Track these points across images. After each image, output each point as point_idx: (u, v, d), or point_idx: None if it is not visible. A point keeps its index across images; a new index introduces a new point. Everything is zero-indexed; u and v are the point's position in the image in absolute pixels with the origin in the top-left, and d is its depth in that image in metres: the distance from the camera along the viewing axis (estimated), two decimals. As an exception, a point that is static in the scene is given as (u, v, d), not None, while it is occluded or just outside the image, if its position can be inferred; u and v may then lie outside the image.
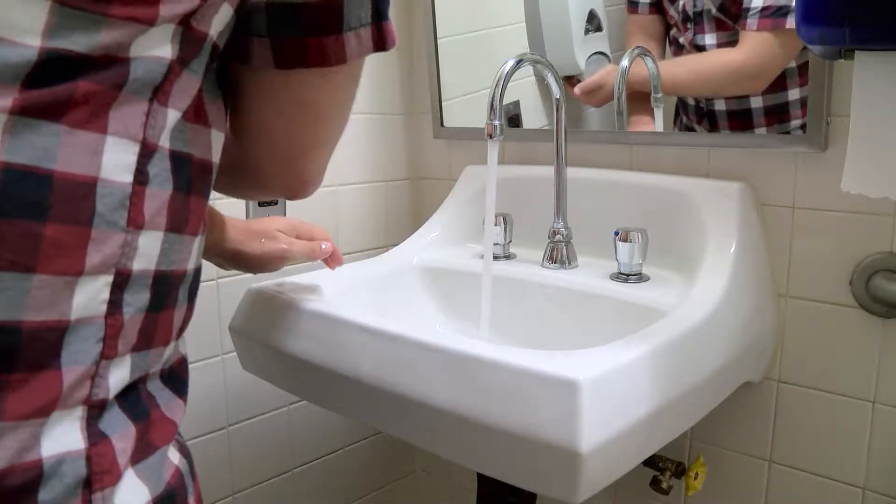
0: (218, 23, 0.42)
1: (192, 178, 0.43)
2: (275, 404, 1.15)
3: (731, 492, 0.99)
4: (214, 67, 0.45)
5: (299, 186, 0.57)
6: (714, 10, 0.93)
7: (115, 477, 0.38)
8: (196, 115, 0.43)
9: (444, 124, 1.23)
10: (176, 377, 0.46)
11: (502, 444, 0.61)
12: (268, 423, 1.14)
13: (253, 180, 0.58)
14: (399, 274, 1.01)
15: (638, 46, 1.02)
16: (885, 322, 0.84)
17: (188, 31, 0.40)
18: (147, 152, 0.39)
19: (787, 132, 0.89)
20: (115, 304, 0.39)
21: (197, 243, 0.46)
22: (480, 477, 0.88)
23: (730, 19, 0.92)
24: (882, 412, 0.85)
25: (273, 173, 0.56)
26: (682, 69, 1.00)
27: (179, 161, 0.42)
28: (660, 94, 1.01)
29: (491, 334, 0.93)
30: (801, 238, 0.88)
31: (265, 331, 0.83)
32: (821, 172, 0.86)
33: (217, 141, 0.46)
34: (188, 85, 0.42)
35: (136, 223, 0.39)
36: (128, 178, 0.38)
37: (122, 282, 0.39)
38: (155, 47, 0.38)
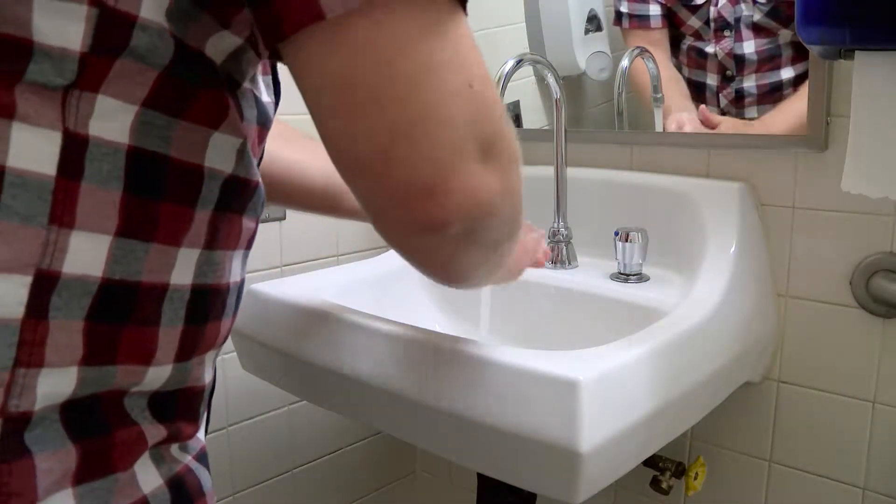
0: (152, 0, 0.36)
1: (165, 181, 0.39)
2: (275, 404, 1.15)
3: (731, 492, 0.99)
4: (196, 57, 0.38)
5: (421, 200, 0.36)
6: (758, 17, 0.91)
7: (28, 500, 0.34)
8: (177, 109, 0.38)
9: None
10: (171, 402, 0.42)
11: (502, 444, 0.61)
12: (268, 423, 1.14)
13: (372, 219, 0.40)
14: (399, 274, 1.01)
15: (638, 47, 1.02)
16: (885, 322, 0.84)
17: (105, 12, 0.35)
18: (74, 143, 0.35)
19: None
20: (36, 308, 0.35)
21: (190, 257, 0.41)
22: (480, 477, 0.88)
23: (781, 24, 0.90)
24: (882, 412, 0.85)
25: (366, 201, 0.38)
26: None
27: (143, 160, 0.37)
28: (660, 95, 1.01)
29: (491, 334, 0.93)
30: (801, 238, 0.88)
31: (265, 331, 0.83)
32: (821, 172, 0.86)
33: (223, 147, 0.41)
34: (136, 73, 0.36)
35: (62, 221, 0.35)
36: (49, 170, 0.35)
37: (46, 284, 0.35)
38: (60, 28, 0.34)
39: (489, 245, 0.43)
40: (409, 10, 0.34)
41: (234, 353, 0.92)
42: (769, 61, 0.92)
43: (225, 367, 1.06)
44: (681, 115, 0.99)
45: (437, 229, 0.37)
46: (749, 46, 0.93)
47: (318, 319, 0.78)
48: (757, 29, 0.92)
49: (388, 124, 0.34)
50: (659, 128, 1.01)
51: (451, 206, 0.36)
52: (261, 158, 0.49)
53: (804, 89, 0.86)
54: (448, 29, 0.36)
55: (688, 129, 0.98)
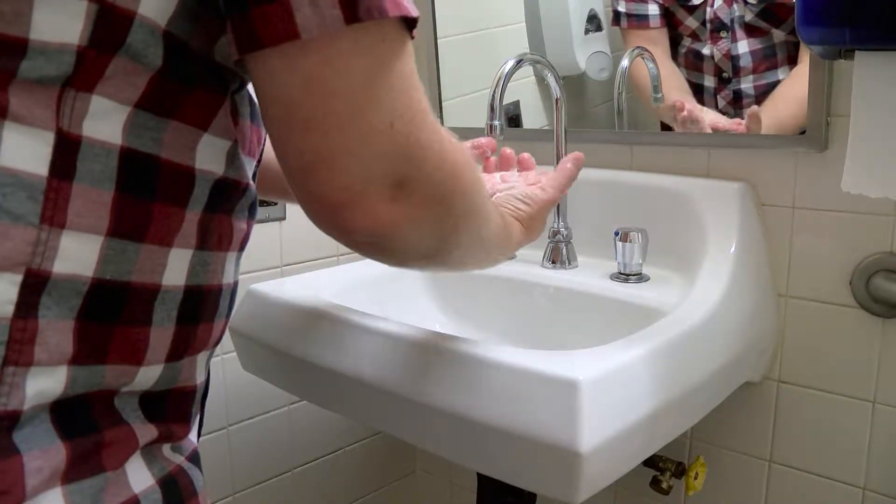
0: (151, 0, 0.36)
1: (157, 182, 0.39)
2: (275, 404, 1.15)
3: (731, 492, 0.99)
4: (198, 59, 0.40)
5: (329, 213, 0.40)
6: (749, 17, 0.90)
7: (15, 498, 0.34)
8: (167, 110, 0.39)
9: (444, 124, 1.21)
10: (161, 402, 0.42)
11: (502, 444, 0.61)
12: (268, 423, 1.14)
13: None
14: (399, 274, 1.01)
15: (638, 47, 1.02)
16: (885, 322, 0.84)
17: (106, 9, 0.35)
18: (67, 143, 0.36)
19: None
20: (26, 307, 0.35)
21: (183, 258, 0.41)
22: (480, 477, 0.88)
23: (772, 24, 0.89)
24: (882, 412, 0.85)
25: (299, 199, 0.42)
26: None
27: (136, 160, 0.38)
28: (660, 94, 1.01)
29: (491, 334, 0.93)
30: (801, 238, 0.88)
31: (265, 331, 0.83)
32: (821, 172, 0.86)
33: (213, 148, 0.42)
34: (130, 73, 0.37)
35: (53, 221, 0.36)
36: (41, 170, 0.35)
37: (36, 283, 0.35)
38: (59, 24, 0.34)
39: (419, 253, 0.46)
40: (358, 48, 0.37)
41: (234, 353, 0.92)
42: (765, 62, 0.92)
43: (225, 367, 1.06)
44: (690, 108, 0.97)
45: (342, 235, 0.42)
46: (743, 47, 0.93)
47: (318, 319, 0.78)
48: (750, 29, 0.91)
49: (314, 148, 0.38)
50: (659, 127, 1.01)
51: (354, 225, 0.41)
52: (259, 159, 0.50)
53: (784, 91, 0.85)
54: (389, 69, 0.39)
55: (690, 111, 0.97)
